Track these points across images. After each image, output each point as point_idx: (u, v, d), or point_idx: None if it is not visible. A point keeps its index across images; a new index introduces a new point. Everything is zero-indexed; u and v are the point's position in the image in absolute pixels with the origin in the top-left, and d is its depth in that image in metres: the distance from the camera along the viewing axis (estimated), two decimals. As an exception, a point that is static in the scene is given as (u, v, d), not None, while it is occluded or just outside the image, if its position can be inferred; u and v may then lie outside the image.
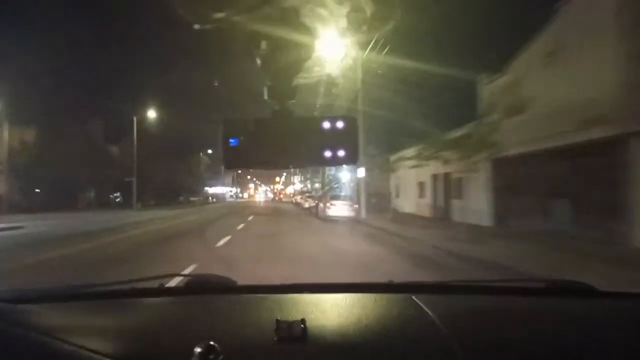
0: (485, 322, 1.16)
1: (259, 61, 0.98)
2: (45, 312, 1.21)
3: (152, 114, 38.19)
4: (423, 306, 1.19)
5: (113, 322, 1.18)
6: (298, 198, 43.28)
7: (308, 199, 33.75)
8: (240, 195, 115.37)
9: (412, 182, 22.85)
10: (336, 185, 45.49)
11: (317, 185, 59.63)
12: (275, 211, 31.78)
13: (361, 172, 21.39)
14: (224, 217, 22.56)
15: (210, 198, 61.82)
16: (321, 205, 20.89)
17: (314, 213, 23.59)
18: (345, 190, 34.97)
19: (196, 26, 0.93)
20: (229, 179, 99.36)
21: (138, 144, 39.65)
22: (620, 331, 1.09)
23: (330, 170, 42.42)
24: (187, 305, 1.38)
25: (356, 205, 19.18)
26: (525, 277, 2.56)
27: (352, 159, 0.98)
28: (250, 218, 20.96)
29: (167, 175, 49.29)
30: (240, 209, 34.62)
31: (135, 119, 36.26)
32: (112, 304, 1.38)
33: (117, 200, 44.81)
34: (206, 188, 73.44)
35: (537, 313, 1.24)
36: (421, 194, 22.08)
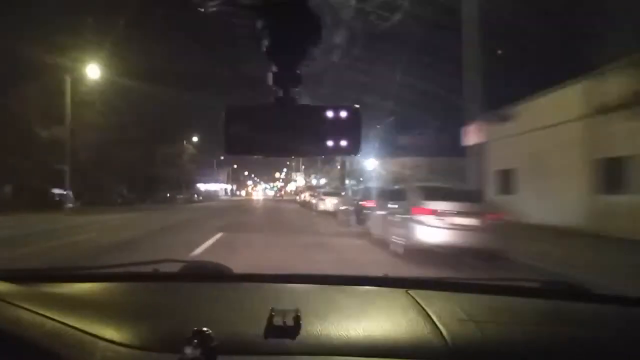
0: (478, 321, 1.11)
1: (264, 45, 0.91)
2: (39, 291, 1.22)
3: (107, 77, 26.74)
4: (418, 301, 1.20)
5: (105, 304, 1.20)
6: (306, 195, 30.78)
7: (325, 198, 21.50)
8: (236, 192, 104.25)
9: (569, 158, 10.64)
10: (349, 182, 33.61)
11: (323, 180, 48.44)
12: (274, 216, 20.04)
13: (482, 133, 9.36)
14: (165, 232, 11.46)
15: (195, 196, 49.83)
16: (382, 214, 8.61)
17: (359, 229, 11.17)
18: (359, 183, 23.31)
19: (201, 8, 0.90)
20: (223, 175, 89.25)
21: (93, 123, 29.15)
22: (614, 335, 1.09)
23: (351, 157, 30.77)
24: (181, 291, 1.37)
25: (500, 219, 6.94)
26: (523, 277, 1.84)
27: (354, 150, 0.93)
28: (212, 242, 9.00)
29: (140, 167, 38.51)
30: (221, 211, 24.38)
31: (69, 79, 24.44)
32: (105, 287, 1.38)
33: (67, 196, 33.05)
34: (198, 185, 64.92)
35: (531, 314, 1.23)
36: (611, 185, 9.67)
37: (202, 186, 69.31)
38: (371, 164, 27.89)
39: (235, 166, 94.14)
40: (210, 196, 65.01)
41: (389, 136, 26.01)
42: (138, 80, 31.28)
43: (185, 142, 49.35)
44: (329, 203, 19.55)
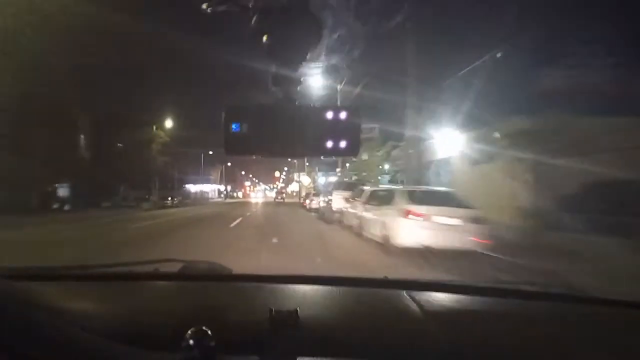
0: (475, 322, 1.13)
1: (265, 46, 0.92)
2: (41, 289, 1.23)
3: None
4: (416, 303, 1.20)
5: (106, 303, 1.22)
6: (333, 199, 17.80)
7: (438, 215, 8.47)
8: (232, 194, 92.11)
9: None
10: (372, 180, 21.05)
11: (332, 178, 36.48)
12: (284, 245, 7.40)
13: None
14: None
15: (169, 199, 37.26)
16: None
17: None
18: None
19: (204, 7, 0.89)
20: (215, 174, 77.00)
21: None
22: (610, 337, 1.08)
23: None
24: (181, 291, 1.40)
25: None
26: (520, 281, 2.05)
27: (353, 151, 0.95)
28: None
29: (87, 157, 28.79)
30: (182, 230, 12.52)
31: None
32: (106, 285, 1.41)
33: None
34: (187, 185, 55.83)
35: (528, 316, 1.23)
36: None
37: (191, 187, 58.63)
38: (452, 140, 15.05)
39: (229, 164, 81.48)
40: (196, 199, 52.67)
41: (504, 80, 13.08)
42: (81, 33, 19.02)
43: (155, 128, 36.66)
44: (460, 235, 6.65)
